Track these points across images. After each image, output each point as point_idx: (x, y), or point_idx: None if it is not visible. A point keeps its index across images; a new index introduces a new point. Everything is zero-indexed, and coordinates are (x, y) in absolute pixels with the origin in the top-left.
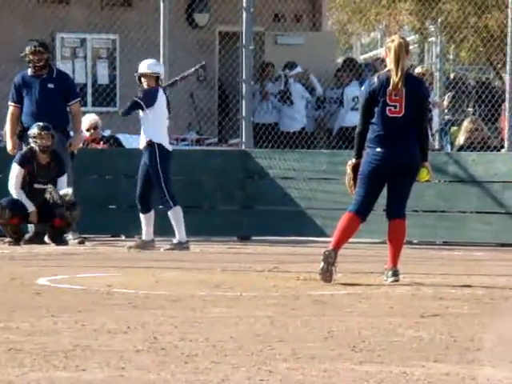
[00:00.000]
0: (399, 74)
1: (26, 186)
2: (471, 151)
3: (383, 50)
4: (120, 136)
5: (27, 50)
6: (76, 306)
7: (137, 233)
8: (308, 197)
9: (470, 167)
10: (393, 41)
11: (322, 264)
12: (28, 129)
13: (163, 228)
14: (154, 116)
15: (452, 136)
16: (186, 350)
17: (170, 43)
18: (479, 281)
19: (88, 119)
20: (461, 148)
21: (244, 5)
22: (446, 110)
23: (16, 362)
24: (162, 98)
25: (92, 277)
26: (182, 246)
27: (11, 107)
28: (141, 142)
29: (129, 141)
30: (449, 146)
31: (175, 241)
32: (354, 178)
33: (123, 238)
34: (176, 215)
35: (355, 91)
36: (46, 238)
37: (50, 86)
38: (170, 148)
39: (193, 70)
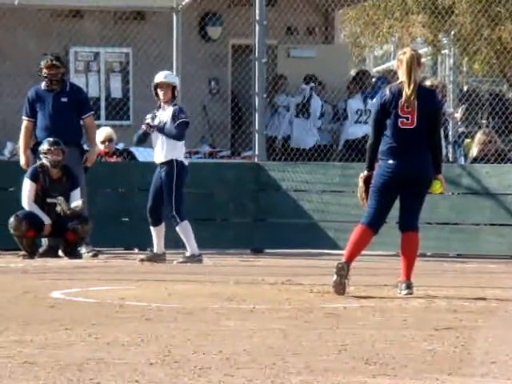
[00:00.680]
0: (411, 86)
1: (39, 200)
2: (485, 163)
3: (396, 63)
4: (133, 149)
5: (42, 64)
6: (89, 319)
7: (150, 246)
8: (321, 209)
9: (484, 179)
10: (404, 53)
11: (335, 277)
12: (41, 143)
13: (176, 241)
14: None
15: (466, 148)
16: (199, 363)
17: (182, 56)
18: (493, 293)
19: (102, 132)
20: (474, 160)
21: (257, 18)
22: (459, 123)
23: (30, 375)
24: None
25: (105, 290)
26: (194, 258)
27: (25, 121)
28: (157, 157)
29: (142, 154)
30: (462, 158)
31: (188, 254)
32: (366, 191)
33: (136, 251)
34: (184, 230)
35: (359, 104)
36: (60, 252)
37: (64, 100)
38: (186, 162)
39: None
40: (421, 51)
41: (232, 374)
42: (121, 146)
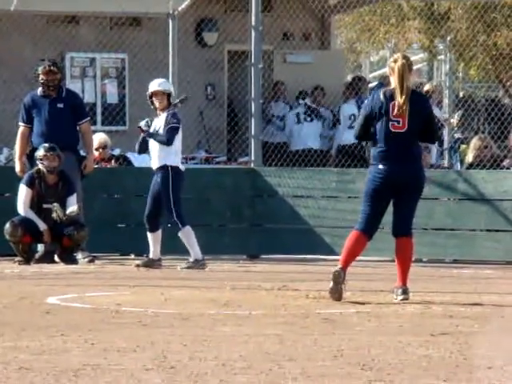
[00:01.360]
0: (404, 96)
1: (35, 206)
2: (481, 169)
3: (387, 69)
4: (129, 155)
5: (39, 69)
6: (85, 324)
7: (146, 251)
8: (317, 215)
9: (480, 185)
10: (396, 61)
11: (331, 284)
12: (37, 149)
13: (173, 247)
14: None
15: (461, 154)
16: (195, 369)
17: (178, 62)
18: (489, 299)
19: (97, 138)
20: (470, 166)
21: (253, 24)
22: (455, 128)
23: (26, 380)
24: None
25: (101, 295)
26: (198, 263)
27: (21, 127)
28: (154, 162)
29: (138, 160)
30: (458, 164)
31: (191, 259)
32: None
33: (132, 256)
34: (187, 235)
35: (353, 109)
36: (56, 257)
37: (60, 105)
38: (182, 168)
39: (177, 100)
40: (417, 57)
41: (228, 380)
42: (117, 151)
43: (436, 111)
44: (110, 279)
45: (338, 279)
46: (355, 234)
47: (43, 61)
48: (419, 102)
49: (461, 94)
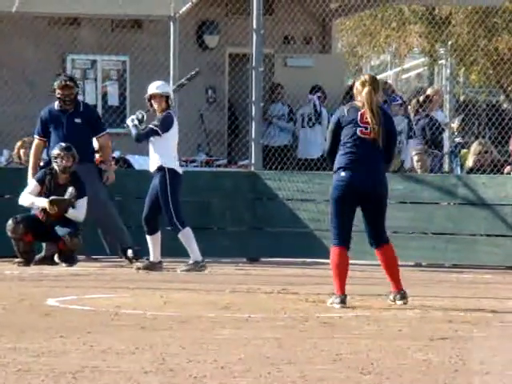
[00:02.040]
0: (374, 120)
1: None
2: (481, 174)
3: (355, 89)
4: (129, 157)
5: (56, 84)
6: (85, 326)
7: (146, 254)
8: (317, 218)
9: (480, 190)
10: (363, 85)
11: (338, 306)
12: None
13: (173, 249)
14: (167, 141)
15: (462, 159)
16: (194, 372)
17: (179, 65)
18: (489, 304)
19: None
20: (470, 170)
21: (254, 27)
22: (455, 133)
23: (24, 382)
24: (176, 123)
25: (101, 298)
26: (198, 265)
27: (36, 140)
28: (151, 165)
29: (138, 162)
30: (459, 169)
31: (191, 261)
32: None
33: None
34: (186, 237)
35: None
36: (56, 258)
37: (77, 120)
38: (180, 171)
39: (188, 76)
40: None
41: (227, 383)
42: (117, 153)
43: (438, 115)
44: (110, 281)
45: (344, 304)
46: (334, 250)
47: (60, 75)
48: (385, 120)
49: (461, 99)
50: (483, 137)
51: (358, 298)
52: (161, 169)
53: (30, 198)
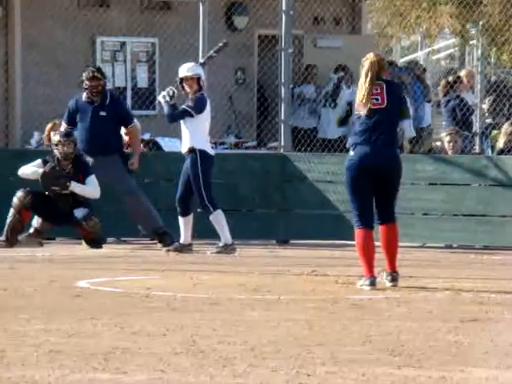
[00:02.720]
0: (375, 90)
1: (47, 187)
2: None
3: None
4: (159, 139)
5: (84, 76)
6: (115, 308)
7: (176, 236)
8: (346, 200)
9: (511, 171)
10: (366, 59)
11: (368, 288)
12: (81, 154)
13: (203, 231)
14: (199, 122)
15: (492, 140)
16: (224, 353)
17: (208, 46)
18: None
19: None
20: (501, 152)
21: (283, 8)
22: (486, 114)
23: (56, 363)
24: (208, 104)
25: (131, 280)
26: (228, 248)
27: (63, 126)
28: (183, 146)
29: (168, 144)
30: (489, 150)
31: (221, 244)
32: None
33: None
34: (217, 219)
35: None
36: (83, 243)
37: (102, 113)
38: (212, 153)
39: (217, 47)
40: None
41: (257, 365)
42: (146, 136)
43: (468, 96)
44: (140, 263)
45: (374, 286)
46: (359, 233)
47: (88, 67)
48: (396, 90)
49: (492, 79)
50: None
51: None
52: (192, 150)
53: (30, 167)
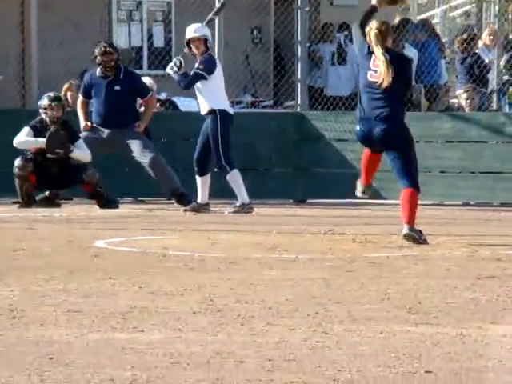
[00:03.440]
0: (383, 62)
1: (39, 157)
2: None
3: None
4: (175, 99)
5: (96, 51)
6: (133, 268)
7: (194, 196)
8: None
9: None
10: (370, 29)
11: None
12: (95, 126)
13: (220, 191)
14: (214, 82)
15: (510, 96)
16: (242, 312)
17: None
18: None
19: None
20: None
21: None
22: (503, 71)
23: (75, 323)
24: (218, 63)
25: (148, 239)
26: (245, 207)
27: (80, 98)
28: (202, 108)
29: (184, 104)
30: (507, 107)
31: (238, 203)
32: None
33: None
34: (234, 179)
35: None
36: (98, 208)
37: (117, 88)
38: (231, 111)
39: (215, 10)
40: None
41: (274, 323)
42: (163, 95)
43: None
44: (157, 223)
45: (365, 195)
46: (366, 152)
47: (100, 42)
48: (401, 64)
49: (510, 36)
50: None
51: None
52: (212, 111)
53: (29, 139)
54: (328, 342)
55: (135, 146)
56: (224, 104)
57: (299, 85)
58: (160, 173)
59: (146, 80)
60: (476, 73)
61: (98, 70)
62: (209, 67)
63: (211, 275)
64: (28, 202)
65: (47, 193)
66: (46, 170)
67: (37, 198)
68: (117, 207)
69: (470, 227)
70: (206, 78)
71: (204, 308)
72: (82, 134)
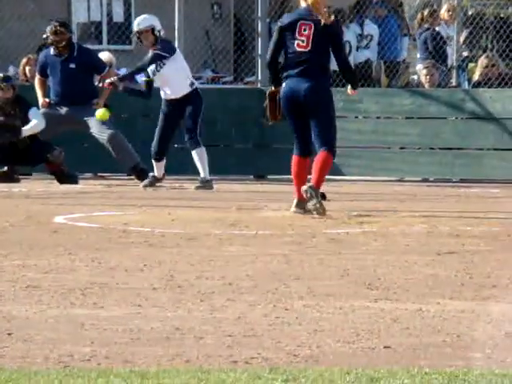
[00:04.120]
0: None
1: None
2: (488, 87)
3: None
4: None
5: (48, 30)
6: (93, 244)
7: (151, 171)
8: None
9: (488, 104)
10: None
11: (312, 201)
12: (53, 104)
13: (177, 168)
14: (181, 64)
15: (469, 72)
16: (202, 288)
17: None
18: (496, 218)
19: (102, 57)
20: (478, 84)
21: None
22: (463, 46)
23: (34, 299)
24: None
25: (108, 215)
26: (208, 183)
27: (38, 77)
28: (176, 92)
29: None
30: (466, 83)
31: (201, 179)
32: (272, 106)
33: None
34: (201, 155)
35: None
36: (58, 184)
37: (72, 66)
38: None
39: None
40: None
41: (235, 299)
42: (123, 71)
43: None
44: (117, 199)
45: (302, 206)
46: (294, 159)
47: (51, 21)
48: (330, 27)
49: (469, 12)
50: (491, 50)
51: (365, 213)
52: (191, 92)
53: None
54: (288, 318)
55: (94, 122)
56: (193, 82)
57: (259, 60)
58: (119, 149)
59: (105, 55)
60: (430, 47)
61: (52, 49)
62: (168, 48)
63: (171, 251)
64: None
65: (5, 168)
66: (12, 145)
67: None
68: (76, 183)
69: (429, 203)
70: (166, 57)
71: (164, 284)
72: (41, 111)
